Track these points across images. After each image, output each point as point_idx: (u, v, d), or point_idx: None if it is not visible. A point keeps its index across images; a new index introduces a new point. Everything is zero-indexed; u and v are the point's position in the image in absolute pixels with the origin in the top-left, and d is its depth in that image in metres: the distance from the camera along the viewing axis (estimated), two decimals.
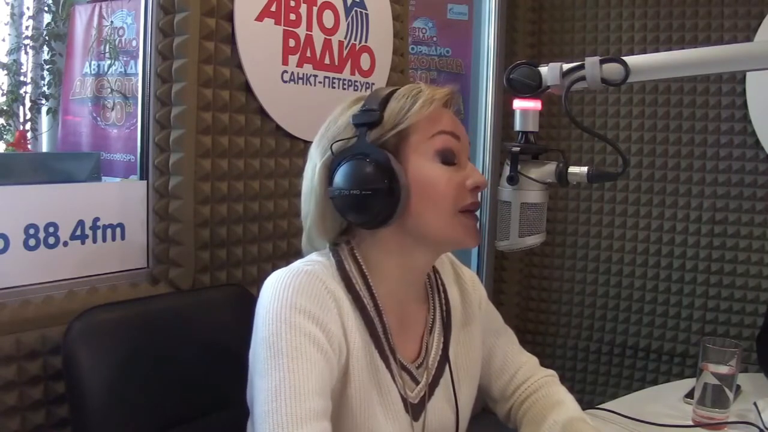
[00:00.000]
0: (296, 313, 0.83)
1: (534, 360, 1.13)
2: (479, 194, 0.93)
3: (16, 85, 2.50)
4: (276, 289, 0.85)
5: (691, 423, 1.26)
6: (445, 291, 1.03)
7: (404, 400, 0.93)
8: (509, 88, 0.92)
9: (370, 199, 0.86)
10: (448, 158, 0.90)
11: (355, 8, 1.82)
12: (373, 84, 1.91)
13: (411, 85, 0.93)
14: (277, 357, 0.81)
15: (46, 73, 2.58)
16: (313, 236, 0.96)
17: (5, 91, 2.48)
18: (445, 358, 0.99)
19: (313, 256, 0.94)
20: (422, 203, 0.88)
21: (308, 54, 1.70)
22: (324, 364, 0.83)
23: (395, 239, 0.91)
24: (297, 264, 0.90)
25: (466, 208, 0.90)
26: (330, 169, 0.91)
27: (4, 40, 2.48)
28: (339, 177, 0.88)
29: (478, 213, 0.94)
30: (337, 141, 0.90)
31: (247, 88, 1.56)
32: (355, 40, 1.83)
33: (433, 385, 0.97)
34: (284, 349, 0.81)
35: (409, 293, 0.98)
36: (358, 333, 0.89)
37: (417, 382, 0.95)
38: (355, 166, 0.87)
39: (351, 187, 0.87)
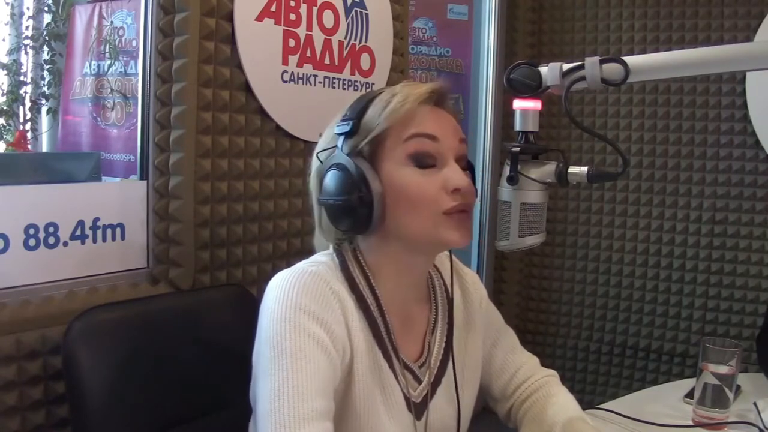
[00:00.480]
0: (300, 314, 0.83)
1: (534, 360, 1.13)
2: (472, 193, 0.91)
3: (16, 85, 2.50)
4: (280, 290, 0.85)
5: (691, 423, 1.26)
6: (447, 290, 1.04)
7: (407, 399, 0.93)
8: (509, 88, 0.92)
9: (347, 208, 0.87)
10: (422, 161, 0.89)
11: (355, 8, 1.82)
12: (373, 84, 1.91)
13: (392, 87, 0.93)
14: (280, 357, 0.81)
15: (46, 73, 2.58)
16: (318, 236, 0.99)
17: (5, 91, 2.48)
18: (447, 358, 0.99)
19: (317, 257, 0.95)
20: (399, 209, 0.88)
21: (308, 54, 1.70)
22: (327, 364, 0.83)
23: (385, 243, 0.92)
24: (301, 265, 0.91)
25: (450, 211, 0.89)
26: (319, 178, 0.93)
27: (4, 40, 2.48)
28: (324, 186, 0.91)
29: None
30: (324, 150, 0.93)
31: (247, 88, 1.56)
32: (355, 40, 1.83)
33: (435, 384, 0.97)
34: (288, 349, 0.81)
35: (410, 293, 0.98)
36: (362, 333, 0.89)
37: (419, 382, 0.96)
38: (332, 177, 0.89)
39: (330, 196, 0.89)
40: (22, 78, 2.53)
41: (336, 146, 0.91)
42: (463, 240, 0.89)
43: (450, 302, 1.03)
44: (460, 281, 1.08)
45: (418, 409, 0.94)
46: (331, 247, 0.96)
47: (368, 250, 0.94)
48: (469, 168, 0.94)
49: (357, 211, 0.87)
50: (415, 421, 0.94)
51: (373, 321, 0.91)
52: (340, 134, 0.91)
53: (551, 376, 1.12)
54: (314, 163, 0.96)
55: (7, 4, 2.48)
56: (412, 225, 0.89)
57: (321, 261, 0.92)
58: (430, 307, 1.01)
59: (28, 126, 2.56)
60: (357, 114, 0.90)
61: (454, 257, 1.11)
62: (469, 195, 0.90)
